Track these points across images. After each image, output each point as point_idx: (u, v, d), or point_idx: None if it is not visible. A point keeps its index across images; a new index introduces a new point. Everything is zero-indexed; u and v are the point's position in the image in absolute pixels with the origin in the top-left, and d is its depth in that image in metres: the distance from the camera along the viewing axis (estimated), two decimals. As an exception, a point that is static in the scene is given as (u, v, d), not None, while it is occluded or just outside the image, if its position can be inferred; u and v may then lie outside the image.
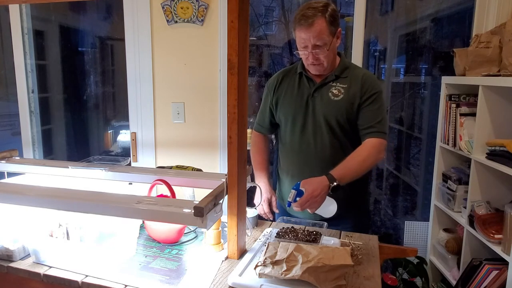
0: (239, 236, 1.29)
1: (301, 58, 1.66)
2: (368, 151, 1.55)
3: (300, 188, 1.44)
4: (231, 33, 1.16)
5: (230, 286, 1.14)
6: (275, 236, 1.38)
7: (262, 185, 1.76)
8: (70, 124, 3.25)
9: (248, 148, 1.58)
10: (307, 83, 1.68)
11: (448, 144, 2.21)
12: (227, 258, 1.31)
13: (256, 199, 1.75)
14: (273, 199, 1.79)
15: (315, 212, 1.50)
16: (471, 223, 1.94)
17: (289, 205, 1.46)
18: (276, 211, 1.83)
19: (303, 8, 1.53)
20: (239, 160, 1.23)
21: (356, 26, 2.31)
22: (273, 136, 1.93)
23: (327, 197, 1.50)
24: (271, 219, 1.77)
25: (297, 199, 1.42)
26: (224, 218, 1.31)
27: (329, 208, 1.52)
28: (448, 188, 2.23)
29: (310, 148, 1.65)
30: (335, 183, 1.45)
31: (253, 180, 1.76)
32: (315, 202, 1.43)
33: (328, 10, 1.52)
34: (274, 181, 1.94)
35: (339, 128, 1.62)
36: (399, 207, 3.25)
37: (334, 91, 1.62)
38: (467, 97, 2.18)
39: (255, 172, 1.80)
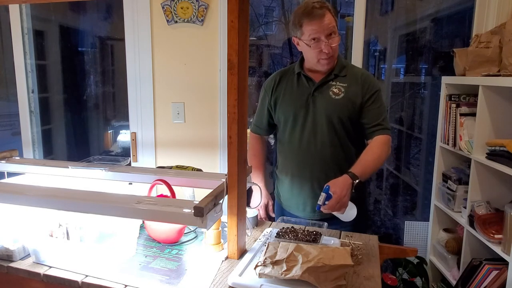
0: (239, 236, 1.29)
1: (298, 59, 1.67)
2: (381, 148, 1.59)
3: (329, 191, 1.44)
4: (231, 33, 1.16)
5: (230, 286, 1.14)
6: (275, 236, 1.38)
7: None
8: (70, 124, 3.25)
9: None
10: (307, 83, 1.68)
11: (448, 144, 2.21)
12: (227, 258, 1.31)
13: (256, 200, 1.75)
14: (270, 203, 1.80)
15: (336, 215, 1.50)
16: (471, 223, 1.94)
17: (319, 208, 1.45)
18: (272, 215, 1.83)
19: (309, 3, 1.56)
20: (239, 160, 1.23)
21: (356, 26, 2.31)
22: (271, 136, 1.94)
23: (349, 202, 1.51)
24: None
25: (326, 202, 1.43)
26: (224, 218, 1.31)
27: (350, 212, 1.52)
28: (448, 188, 2.23)
29: (310, 147, 1.66)
30: (357, 180, 1.47)
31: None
32: (344, 203, 1.45)
33: (329, 5, 1.58)
34: (274, 182, 1.94)
35: (341, 126, 1.63)
36: (399, 207, 3.25)
37: (335, 90, 1.63)
38: (467, 97, 2.18)
39: (252, 176, 1.81)
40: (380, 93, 1.64)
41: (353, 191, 1.47)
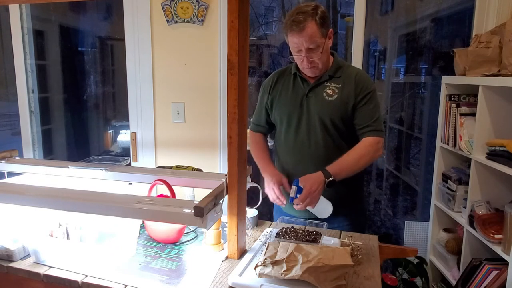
0: (239, 236, 1.29)
1: None
2: (365, 149, 1.58)
3: (299, 185, 1.47)
4: (231, 33, 1.16)
5: (230, 286, 1.14)
6: (275, 236, 1.38)
7: (270, 172, 1.68)
8: (70, 124, 3.25)
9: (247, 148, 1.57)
10: (302, 84, 1.69)
11: (448, 144, 2.21)
12: (227, 258, 1.31)
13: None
14: (284, 180, 1.67)
15: (311, 211, 1.52)
16: (471, 223, 1.94)
17: (292, 200, 1.49)
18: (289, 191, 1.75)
19: (293, 13, 1.54)
20: (239, 160, 1.23)
21: (356, 26, 2.31)
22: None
23: (323, 198, 1.53)
24: (285, 203, 1.65)
25: (297, 195, 1.46)
26: (224, 218, 1.31)
27: (325, 209, 1.54)
28: (448, 188, 2.23)
29: (304, 147, 1.67)
30: (330, 178, 1.48)
31: (253, 180, 1.75)
32: (314, 197, 1.47)
33: (318, 13, 1.53)
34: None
35: (333, 127, 1.63)
36: (399, 207, 3.25)
37: (328, 91, 1.63)
38: (467, 97, 2.18)
39: (261, 166, 1.75)
40: (374, 94, 1.63)
41: (326, 188, 1.49)
